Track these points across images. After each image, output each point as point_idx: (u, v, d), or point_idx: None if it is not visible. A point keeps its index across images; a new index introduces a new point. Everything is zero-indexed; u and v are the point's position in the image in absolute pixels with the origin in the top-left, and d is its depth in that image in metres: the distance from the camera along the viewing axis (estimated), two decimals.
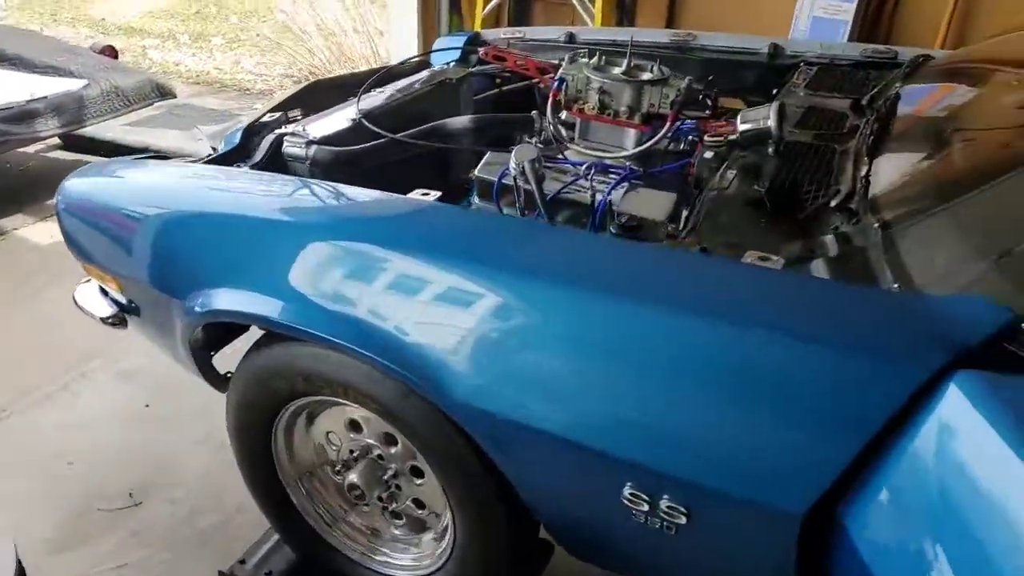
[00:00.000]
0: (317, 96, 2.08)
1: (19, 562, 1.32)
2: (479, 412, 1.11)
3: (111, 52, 4.08)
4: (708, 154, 1.54)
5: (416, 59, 2.43)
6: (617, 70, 1.76)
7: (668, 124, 1.67)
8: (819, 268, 1.11)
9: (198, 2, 7.74)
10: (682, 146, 1.85)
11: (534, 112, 1.93)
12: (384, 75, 2.16)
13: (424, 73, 2.26)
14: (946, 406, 0.86)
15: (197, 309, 1.39)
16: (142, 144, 4.06)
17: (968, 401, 0.84)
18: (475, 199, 1.82)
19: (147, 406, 2.31)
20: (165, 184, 1.55)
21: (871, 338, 0.93)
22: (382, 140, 1.84)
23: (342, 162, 1.81)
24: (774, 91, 1.93)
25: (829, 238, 1.17)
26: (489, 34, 2.58)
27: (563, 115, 1.84)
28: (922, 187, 1.24)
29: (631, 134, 1.74)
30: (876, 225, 1.12)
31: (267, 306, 1.29)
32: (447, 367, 1.11)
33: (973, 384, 0.85)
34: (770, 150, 1.44)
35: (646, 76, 1.72)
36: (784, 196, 1.27)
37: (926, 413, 0.87)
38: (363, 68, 4.78)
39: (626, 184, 1.61)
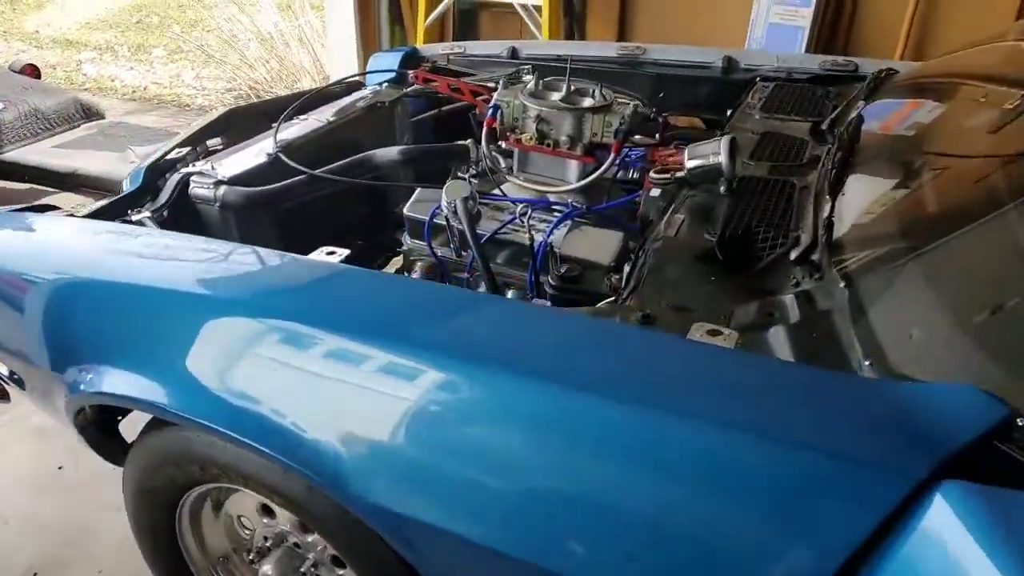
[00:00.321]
0: (238, 124, 1.89)
1: None
2: (386, 513, 0.95)
3: (32, 71, 3.81)
4: (655, 191, 1.39)
5: (349, 80, 2.25)
6: (556, 95, 1.61)
7: (612, 155, 1.53)
8: (778, 339, 0.96)
9: (139, 12, 7.43)
10: (632, 174, 1.71)
11: (470, 140, 1.77)
12: (310, 99, 1.98)
13: (355, 96, 2.08)
14: (931, 520, 0.72)
15: (83, 387, 1.21)
16: (69, 169, 3.79)
17: (955, 516, 0.71)
18: (407, 238, 1.67)
19: (60, 468, 2.10)
20: (43, 244, 1.35)
21: (845, 440, 0.78)
22: (301, 176, 1.66)
23: (256, 203, 1.63)
24: (728, 112, 1.79)
25: (788, 299, 1.02)
26: (427, 50, 2.41)
27: (502, 144, 1.69)
28: (892, 232, 1.10)
29: (573, 166, 1.59)
30: (842, 284, 0.98)
31: (154, 392, 1.11)
32: (347, 464, 0.95)
33: (961, 496, 0.72)
34: (722, 188, 1.29)
35: (587, 102, 1.57)
36: (737, 246, 1.12)
37: (909, 528, 0.73)
38: (305, 82, 4.57)
39: (569, 223, 1.46)
